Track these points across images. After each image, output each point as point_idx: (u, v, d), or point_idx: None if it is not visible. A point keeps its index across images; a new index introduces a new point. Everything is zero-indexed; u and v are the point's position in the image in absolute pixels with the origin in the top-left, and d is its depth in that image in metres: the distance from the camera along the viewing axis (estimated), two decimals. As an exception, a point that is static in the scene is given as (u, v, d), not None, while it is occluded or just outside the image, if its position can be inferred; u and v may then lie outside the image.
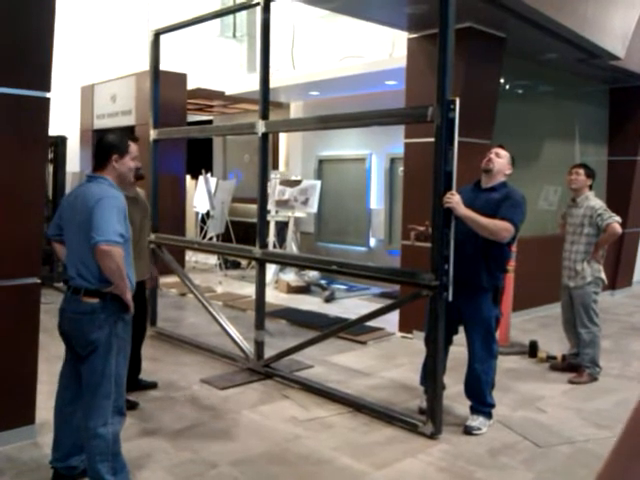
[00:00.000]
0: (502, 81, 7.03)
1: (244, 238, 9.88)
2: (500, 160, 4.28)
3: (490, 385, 4.23)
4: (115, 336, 3.08)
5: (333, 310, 7.78)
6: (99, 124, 10.89)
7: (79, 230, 3.07)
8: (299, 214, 9.85)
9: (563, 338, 5.65)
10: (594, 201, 5.28)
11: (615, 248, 8.55)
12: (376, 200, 10.03)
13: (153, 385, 4.86)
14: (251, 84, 9.05)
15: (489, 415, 4.24)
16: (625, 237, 8.37)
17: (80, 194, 3.16)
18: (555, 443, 4.02)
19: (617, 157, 9.16)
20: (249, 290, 8.17)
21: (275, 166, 11.83)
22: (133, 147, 3.33)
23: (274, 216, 9.88)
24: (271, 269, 9.11)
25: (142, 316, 4.71)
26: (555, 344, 6.11)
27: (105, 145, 3.25)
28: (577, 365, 5.36)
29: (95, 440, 3.06)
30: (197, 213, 11.47)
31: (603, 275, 5.30)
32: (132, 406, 4.29)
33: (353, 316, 5.88)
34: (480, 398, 4.21)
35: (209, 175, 10.51)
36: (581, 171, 5.37)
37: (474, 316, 4.14)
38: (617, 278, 9.08)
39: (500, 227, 3.96)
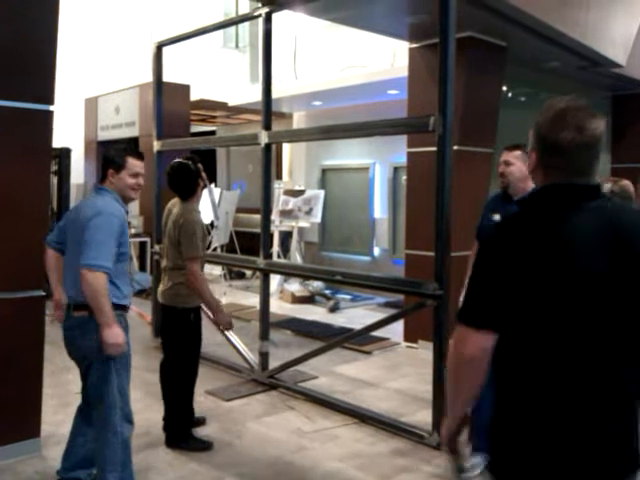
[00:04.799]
0: (504, 89, 7.04)
1: (248, 248, 9.87)
2: (514, 167, 3.63)
3: None
4: None
5: (338, 320, 7.76)
6: (103, 136, 10.94)
7: (76, 243, 3.04)
8: (303, 224, 9.86)
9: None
10: None
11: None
12: (380, 209, 10.03)
13: (202, 421, 4.41)
14: (254, 95, 9.08)
15: None
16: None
17: (83, 206, 3.15)
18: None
19: (621, 164, 9.14)
20: (253, 300, 8.16)
21: (279, 176, 11.86)
22: (133, 163, 3.16)
23: (278, 226, 9.89)
24: (275, 279, 9.10)
25: (187, 350, 4.06)
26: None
27: (104, 158, 3.22)
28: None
29: (104, 450, 3.06)
30: (201, 224, 11.47)
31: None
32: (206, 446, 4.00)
33: (358, 326, 5.88)
34: None
35: (213, 186, 10.53)
36: None
37: None
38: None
39: None
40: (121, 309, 3.11)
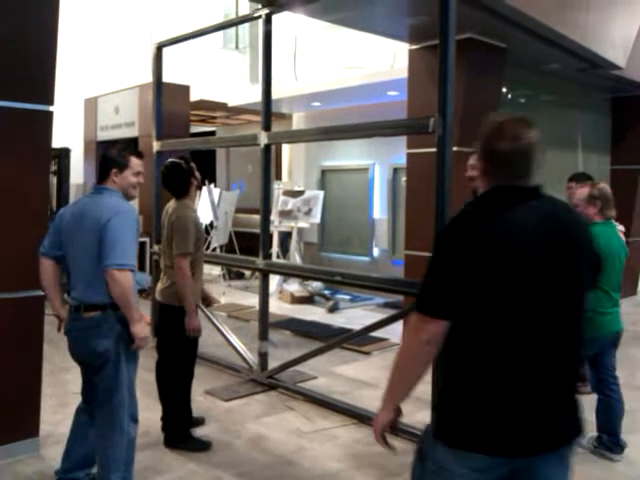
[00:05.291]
0: (504, 91, 7.05)
1: (248, 248, 9.88)
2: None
3: None
4: (123, 343, 3.05)
5: (337, 320, 7.77)
6: (102, 136, 10.94)
7: (85, 243, 3.01)
8: (302, 224, 9.86)
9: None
10: None
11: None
12: (379, 210, 10.05)
13: (201, 421, 4.42)
14: (254, 95, 9.09)
15: None
16: (629, 246, 8.33)
17: (89, 207, 3.09)
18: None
19: (620, 166, 9.17)
20: (253, 301, 8.16)
21: (278, 176, 11.87)
22: (135, 162, 3.19)
23: (277, 226, 9.90)
24: (275, 279, 9.11)
25: (184, 348, 4.04)
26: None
27: (105, 159, 3.21)
28: (582, 374, 5.33)
29: (109, 449, 3.06)
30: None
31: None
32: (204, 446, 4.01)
33: (357, 326, 5.88)
34: None
35: (212, 186, 10.54)
36: (572, 184, 5.34)
37: None
38: (622, 287, 9.04)
39: None
40: None
